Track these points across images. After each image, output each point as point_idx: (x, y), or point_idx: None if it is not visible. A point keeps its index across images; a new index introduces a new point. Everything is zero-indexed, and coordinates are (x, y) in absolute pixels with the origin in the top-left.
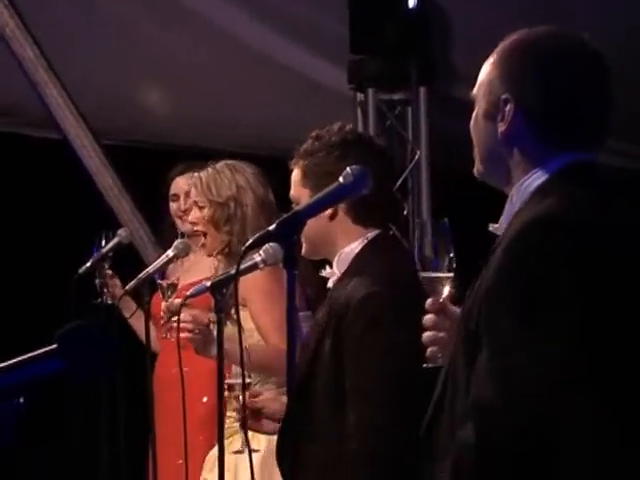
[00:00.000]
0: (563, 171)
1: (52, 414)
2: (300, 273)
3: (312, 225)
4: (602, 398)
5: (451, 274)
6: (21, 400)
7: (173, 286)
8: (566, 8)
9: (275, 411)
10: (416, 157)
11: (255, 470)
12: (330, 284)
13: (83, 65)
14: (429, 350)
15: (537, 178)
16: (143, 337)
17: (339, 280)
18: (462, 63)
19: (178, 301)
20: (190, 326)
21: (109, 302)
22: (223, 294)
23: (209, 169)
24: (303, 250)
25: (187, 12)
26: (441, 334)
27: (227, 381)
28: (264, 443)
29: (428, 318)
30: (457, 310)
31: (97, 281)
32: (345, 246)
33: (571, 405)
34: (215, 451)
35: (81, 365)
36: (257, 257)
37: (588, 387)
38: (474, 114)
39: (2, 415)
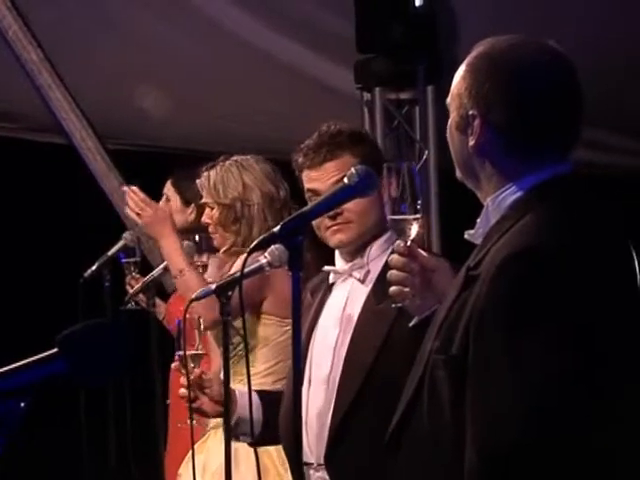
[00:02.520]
0: (540, 187)
1: (59, 418)
2: (305, 272)
3: (370, 206)
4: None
5: (418, 215)
6: (22, 404)
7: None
8: (571, 5)
9: (217, 393)
10: (424, 157)
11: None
12: (358, 276)
13: (85, 67)
14: (394, 288)
15: (512, 193)
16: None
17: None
18: None
19: None
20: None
21: (137, 307)
22: (229, 297)
23: (218, 168)
24: (349, 233)
25: (193, 13)
26: (407, 275)
27: (179, 352)
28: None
29: (396, 258)
30: (424, 253)
31: (105, 284)
32: (379, 237)
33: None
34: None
35: (86, 367)
36: (262, 259)
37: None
38: (449, 122)
39: (3, 418)
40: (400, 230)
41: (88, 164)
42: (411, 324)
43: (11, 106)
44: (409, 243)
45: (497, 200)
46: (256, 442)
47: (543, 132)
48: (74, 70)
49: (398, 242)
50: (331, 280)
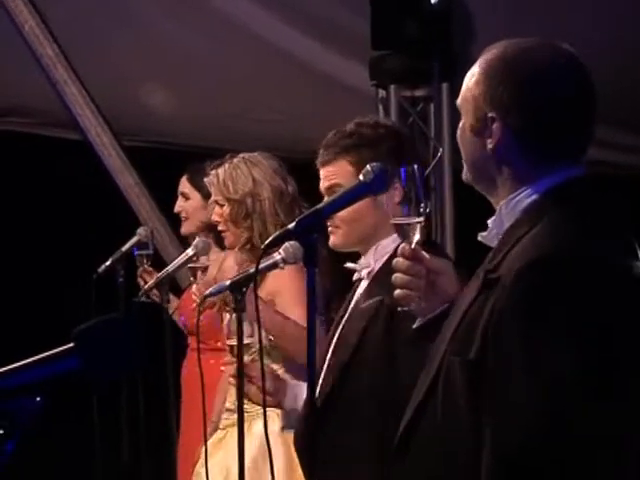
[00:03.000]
0: (554, 190)
1: (72, 414)
2: (320, 269)
3: (361, 213)
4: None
5: (421, 219)
6: (38, 399)
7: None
8: (586, 4)
9: (268, 387)
10: (439, 154)
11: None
12: (362, 275)
13: (100, 64)
14: (400, 291)
15: (527, 196)
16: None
17: (381, 271)
18: None
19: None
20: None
21: (150, 300)
22: (243, 293)
23: (226, 165)
24: (337, 239)
25: (206, 10)
26: (412, 278)
27: (228, 342)
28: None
29: (400, 262)
30: (427, 256)
31: (119, 280)
32: (384, 238)
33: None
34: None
35: (101, 362)
36: (277, 256)
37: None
38: (461, 124)
39: (19, 413)
40: (404, 233)
41: (103, 160)
42: (415, 326)
43: (25, 101)
44: (414, 246)
45: (511, 203)
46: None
47: (558, 135)
48: (88, 66)
49: (403, 245)
50: (355, 277)
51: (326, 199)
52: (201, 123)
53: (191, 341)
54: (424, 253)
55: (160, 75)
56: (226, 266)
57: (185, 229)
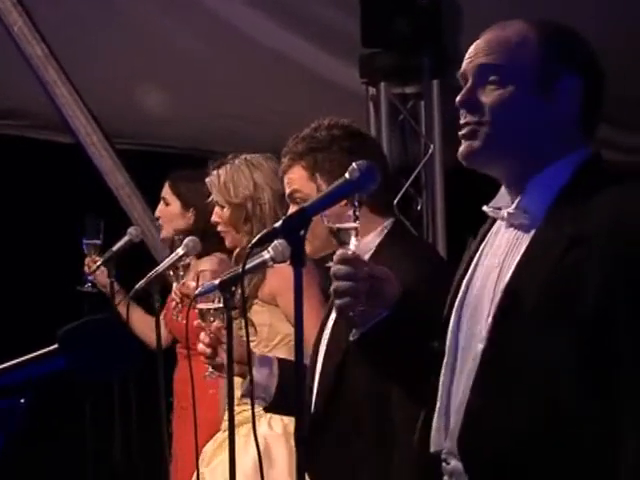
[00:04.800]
0: (592, 160)
1: (64, 414)
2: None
3: (330, 217)
4: None
5: (357, 224)
6: (22, 400)
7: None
8: (581, 3)
9: (236, 353)
10: (429, 151)
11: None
12: None
13: (92, 65)
14: (341, 300)
15: (569, 164)
16: (146, 339)
17: None
18: None
19: (193, 284)
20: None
21: (94, 289)
22: (232, 292)
23: (227, 166)
24: (309, 249)
25: (199, 11)
26: (353, 284)
27: (199, 306)
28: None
29: (339, 268)
30: (366, 261)
31: (110, 280)
32: (365, 235)
33: None
34: (209, 446)
35: (87, 363)
36: (266, 254)
37: None
38: (501, 92)
39: (3, 415)
40: (340, 239)
41: (93, 160)
42: (353, 337)
43: (15, 104)
44: (351, 250)
45: (547, 177)
46: (268, 408)
47: (601, 105)
48: (79, 68)
49: (340, 251)
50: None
51: (311, 199)
52: (194, 125)
53: (179, 348)
54: (362, 258)
55: (153, 77)
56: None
57: (162, 234)
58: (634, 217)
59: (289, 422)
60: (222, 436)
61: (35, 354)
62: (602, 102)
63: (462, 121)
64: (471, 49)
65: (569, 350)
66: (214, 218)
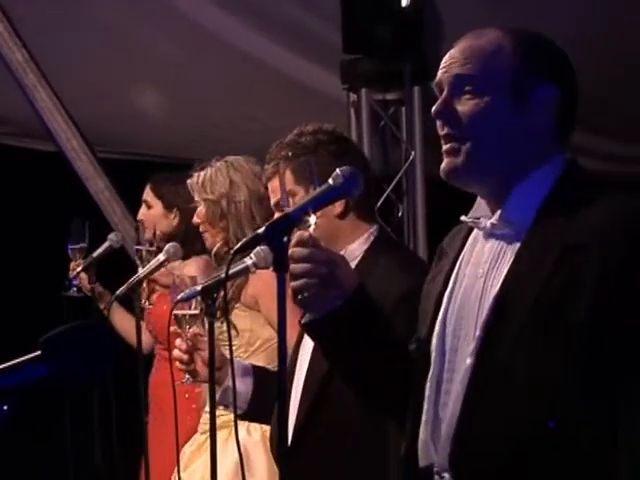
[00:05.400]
0: (570, 166)
1: (44, 417)
2: None
3: (320, 224)
4: None
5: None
6: (5, 407)
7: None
8: (555, 5)
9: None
10: (410, 158)
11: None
12: None
13: (70, 68)
14: (298, 282)
15: (549, 173)
16: (128, 338)
17: None
18: None
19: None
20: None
21: (80, 293)
22: (214, 298)
23: (208, 168)
24: None
25: (180, 19)
26: (312, 265)
27: (175, 312)
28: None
29: (299, 250)
30: (324, 246)
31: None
32: (349, 243)
33: None
34: (187, 447)
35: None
36: (248, 260)
37: None
38: (477, 102)
39: None
40: (300, 220)
41: (73, 164)
42: (304, 321)
43: None
44: (309, 232)
45: (528, 186)
46: (242, 416)
47: (575, 112)
48: (59, 75)
49: (299, 232)
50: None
51: (295, 204)
52: (173, 133)
53: (158, 349)
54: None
55: (133, 85)
56: (189, 271)
57: (146, 237)
58: (629, 221)
59: (267, 429)
60: (200, 438)
61: (17, 361)
62: (576, 110)
63: (440, 132)
64: (446, 58)
65: (564, 359)
66: (194, 219)
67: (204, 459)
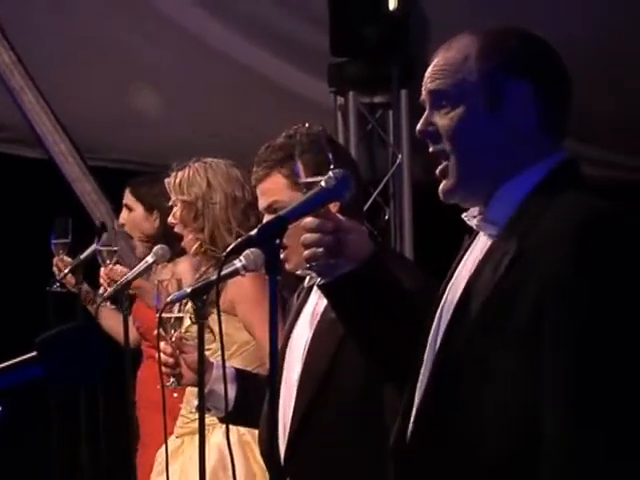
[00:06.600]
0: (557, 171)
1: (32, 418)
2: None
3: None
4: None
5: (330, 174)
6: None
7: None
8: (548, 12)
9: (193, 361)
10: (397, 161)
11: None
12: (309, 283)
13: (60, 73)
14: (308, 251)
15: (537, 173)
16: (115, 336)
17: None
18: None
19: (120, 268)
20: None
21: (64, 289)
22: (203, 300)
23: (185, 169)
24: (292, 264)
25: (167, 25)
26: (321, 235)
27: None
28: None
29: (310, 220)
30: (336, 215)
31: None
32: None
33: None
34: (162, 452)
35: (64, 370)
36: (238, 263)
37: None
38: (452, 115)
39: None
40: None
41: (60, 167)
42: (308, 284)
43: None
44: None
45: (520, 179)
46: (225, 419)
47: (566, 109)
48: (47, 75)
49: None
50: (308, 283)
51: (287, 208)
52: (158, 139)
53: (145, 347)
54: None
55: (121, 93)
56: (181, 270)
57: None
58: (568, 230)
59: (245, 432)
60: (176, 442)
61: (13, 362)
62: (565, 101)
63: (430, 149)
64: (425, 74)
65: (509, 363)
66: (170, 219)
67: (180, 462)
